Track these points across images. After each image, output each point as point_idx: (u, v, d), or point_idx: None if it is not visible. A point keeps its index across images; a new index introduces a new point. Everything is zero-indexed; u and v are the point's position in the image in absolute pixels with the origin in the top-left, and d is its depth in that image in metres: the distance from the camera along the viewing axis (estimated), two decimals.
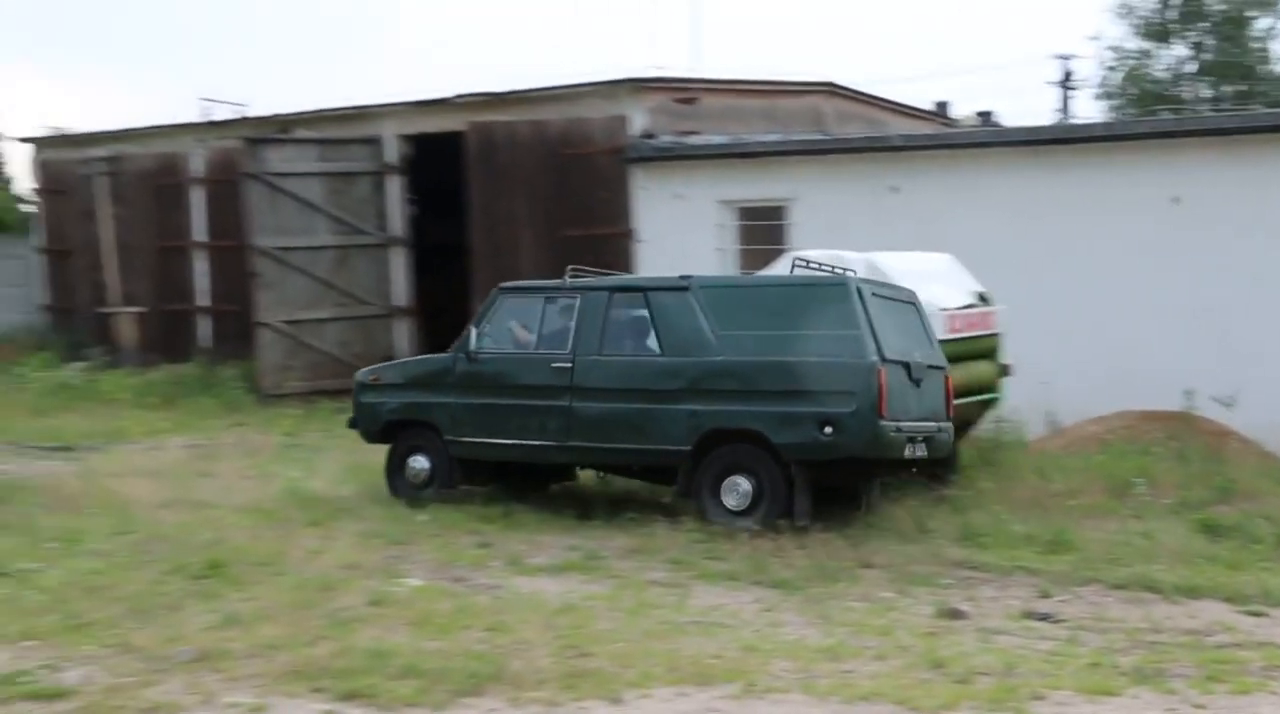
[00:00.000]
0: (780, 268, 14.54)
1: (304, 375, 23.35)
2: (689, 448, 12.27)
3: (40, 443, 17.90)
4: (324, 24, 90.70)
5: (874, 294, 12.43)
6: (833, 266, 13.11)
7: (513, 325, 13.60)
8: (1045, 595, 9.99)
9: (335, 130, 24.94)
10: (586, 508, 12.92)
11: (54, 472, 15.05)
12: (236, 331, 24.86)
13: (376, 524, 12.15)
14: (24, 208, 38.50)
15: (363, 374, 14.68)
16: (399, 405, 13.87)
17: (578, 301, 13.20)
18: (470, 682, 7.11)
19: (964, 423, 14.50)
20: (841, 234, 16.99)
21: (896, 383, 11.95)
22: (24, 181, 38.83)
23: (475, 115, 23.42)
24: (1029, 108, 78.08)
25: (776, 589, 9.98)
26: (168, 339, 26.32)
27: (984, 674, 7.53)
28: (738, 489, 12.12)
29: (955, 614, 9.22)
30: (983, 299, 14.97)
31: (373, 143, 24.46)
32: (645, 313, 13.01)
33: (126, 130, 27.88)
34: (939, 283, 14.45)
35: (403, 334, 24.54)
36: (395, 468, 13.75)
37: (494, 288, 14.26)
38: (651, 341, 12.91)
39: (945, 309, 13.97)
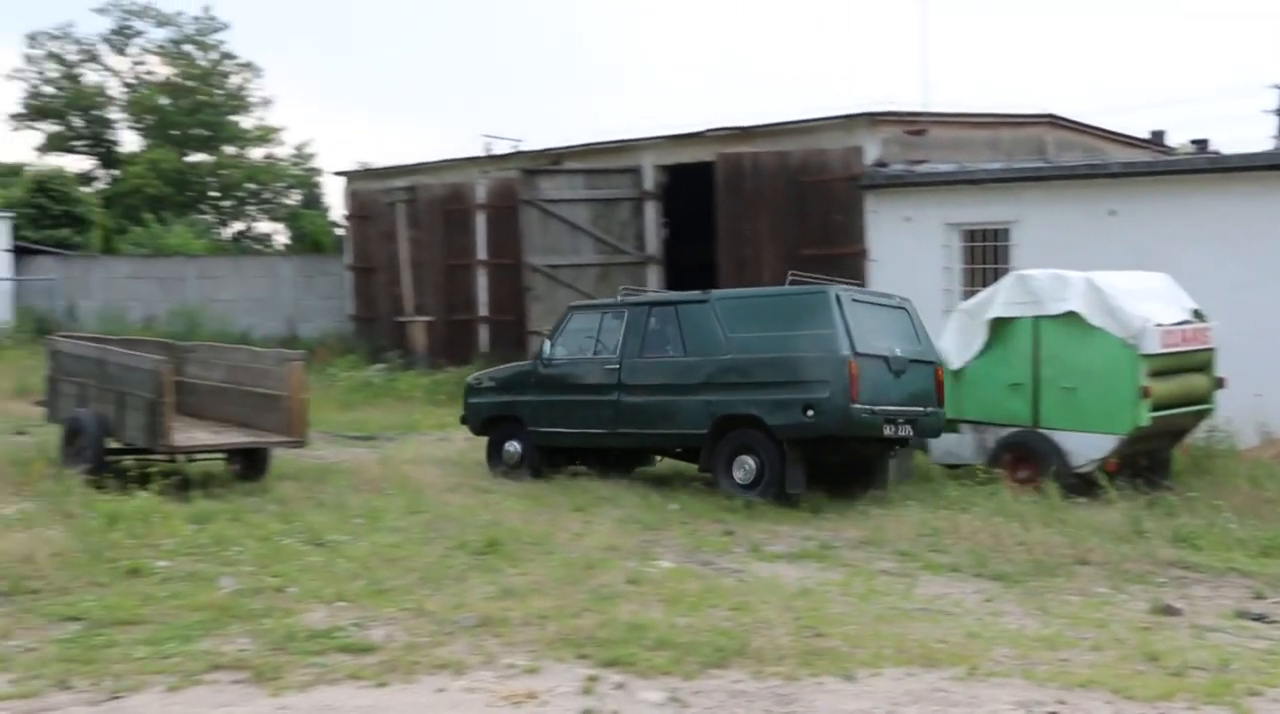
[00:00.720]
0: (1004, 287, 14.25)
1: None
2: (706, 431, 13.51)
3: (348, 432, 18.61)
4: (590, 67, 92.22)
5: (854, 300, 13.50)
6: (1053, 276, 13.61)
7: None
8: (1259, 597, 9.50)
9: (600, 162, 25.32)
10: (819, 503, 12.83)
11: (359, 458, 15.62)
12: (512, 338, 25.46)
13: (632, 511, 12.27)
14: (337, 232, 40.23)
15: (471, 380, 16.38)
16: (495, 404, 15.43)
17: (626, 315, 14.61)
18: (717, 655, 7.12)
19: (1179, 431, 14.10)
20: (1061, 255, 16.44)
21: (871, 373, 12.92)
22: (337, 209, 40.56)
23: (724, 147, 23.52)
24: (1245, 136, 74.47)
25: (997, 581, 9.74)
26: (453, 344, 27.11)
27: (1199, 669, 7.19)
28: (745, 466, 13.30)
29: (1170, 611, 8.83)
30: (1197, 316, 14.38)
31: (633, 172, 24.76)
32: (675, 322, 14.22)
33: (421, 164, 28.83)
34: (1156, 301, 13.94)
35: None
36: (494, 453, 15.22)
37: (567, 307, 15.99)
38: (678, 345, 14.09)
39: (1161, 325, 13.46)
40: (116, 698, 6.44)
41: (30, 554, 9.16)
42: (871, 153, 21.78)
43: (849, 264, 21.67)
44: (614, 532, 11.16)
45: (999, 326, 14.06)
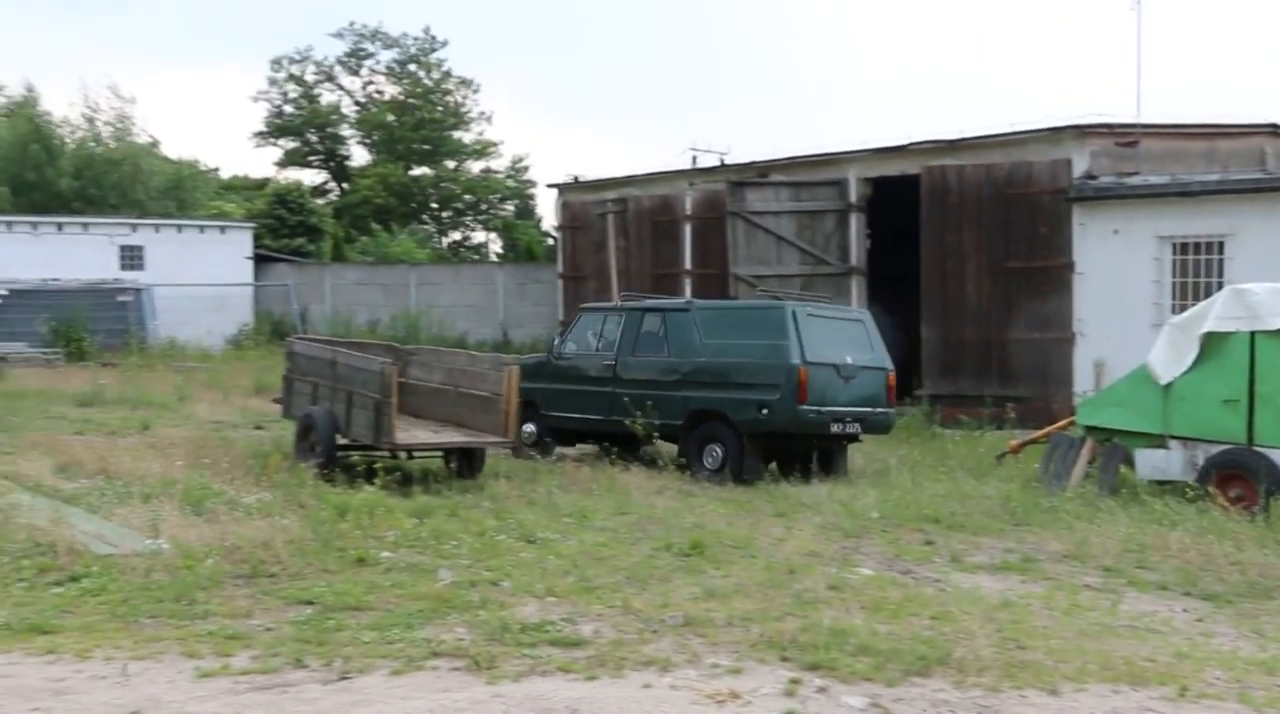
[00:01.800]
0: (1219, 301, 13.65)
1: None
2: (682, 423, 15.27)
3: None
4: (795, 80, 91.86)
5: (809, 315, 15.18)
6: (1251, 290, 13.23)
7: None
8: None
9: (804, 174, 25.21)
10: (1021, 516, 12.50)
11: (567, 459, 15.87)
12: None
13: (832, 518, 12.17)
14: (549, 241, 40.92)
15: None
16: None
17: (624, 318, 16.43)
18: (919, 663, 6.99)
19: None
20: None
21: (820, 378, 14.68)
22: (549, 220, 41.28)
23: (929, 160, 23.17)
24: None
25: (1207, 601, 9.29)
26: None
27: None
28: (713, 454, 15.01)
29: None
30: None
31: (838, 185, 24.59)
32: (663, 326, 15.99)
33: (631, 177, 29.16)
34: None
35: None
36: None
37: (578, 307, 18.34)
38: (663, 347, 15.85)
39: None
40: (346, 678, 6.68)
41: (268, 541, 9.59)
42: (1080, 165, 21.19)
43: (1054, 277, 21.17)
44: (815, 538, 11.09)
45: (1212, 341, 13.46)
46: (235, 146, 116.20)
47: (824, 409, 14.68)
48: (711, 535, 10.73)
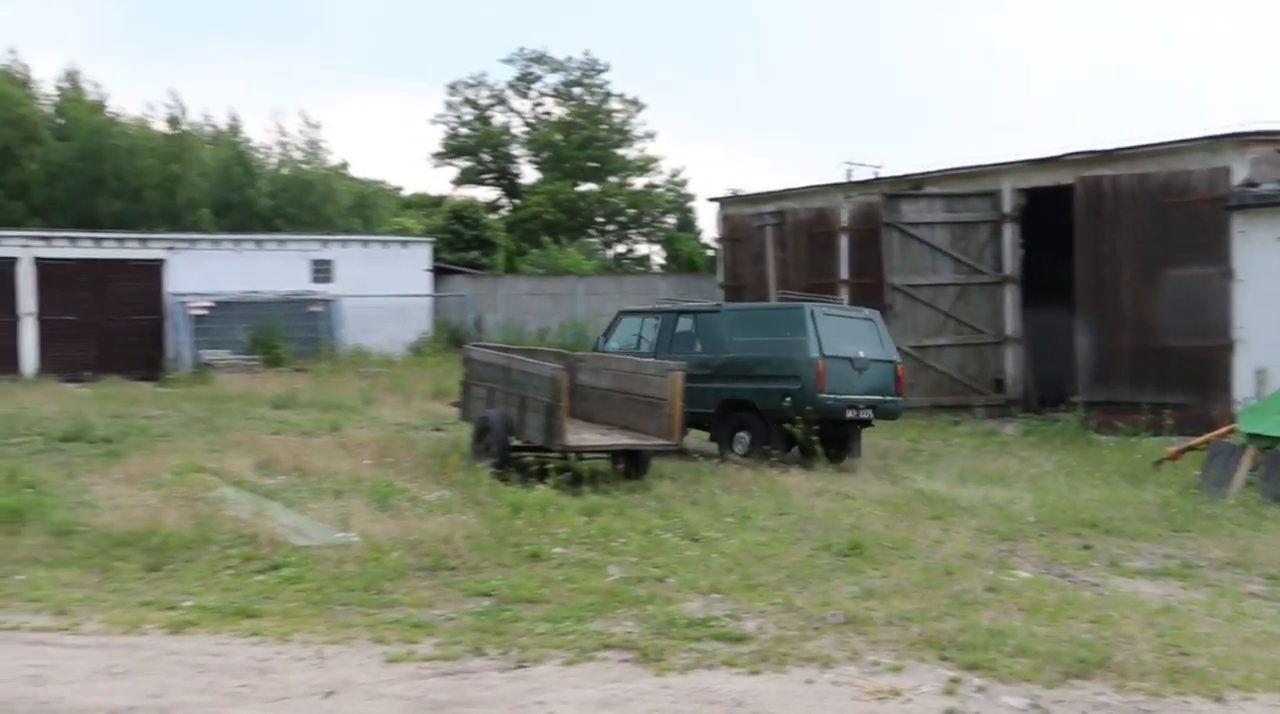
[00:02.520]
0: None
1: (926, 392, 23.31)
2: (714, 411, 16.30)
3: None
4: (949, 93, 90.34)
5: (825, 314, 16.33)
6: None
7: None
8: None
9: (958, 186, 24.74)
10: (1181, 522, 12.05)
11: (729, 461, 15.80)
12: None
13: (989, 521, 11.90)
14: (709, 252, 40.92)
15: None
16: None
17: (660, 319, 17.59)
18: (1078, 666, 6.80)
19: None
20: None
21: (836, 370, 15.74)
22: (710, 232, 41.28)
23: (1083, 170, 22.52)
24: None
25: None
26: None
27: None
28: (742, 440, 16.13)
29: None
30: None
31: (992, 196, 24.08)
32: (693, 326, 17.13)
33: (788, 190, 28.98)
34: None
35: (1011, 359, 23.97)
36: None
37: (618, 311, 19.09)
38: (696, 344, 16.91)
39: None
40: (522, 667, 6.78)
41: (449, 536, 9.79)
42: (1239, 173, 20.35)
43: (1213, 284, 20.39)
44: (971, 540, 10.86)
45: None
46: (415, 167, 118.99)
47: (840, 397, 15.81)
48: (870, 536, 10.59)
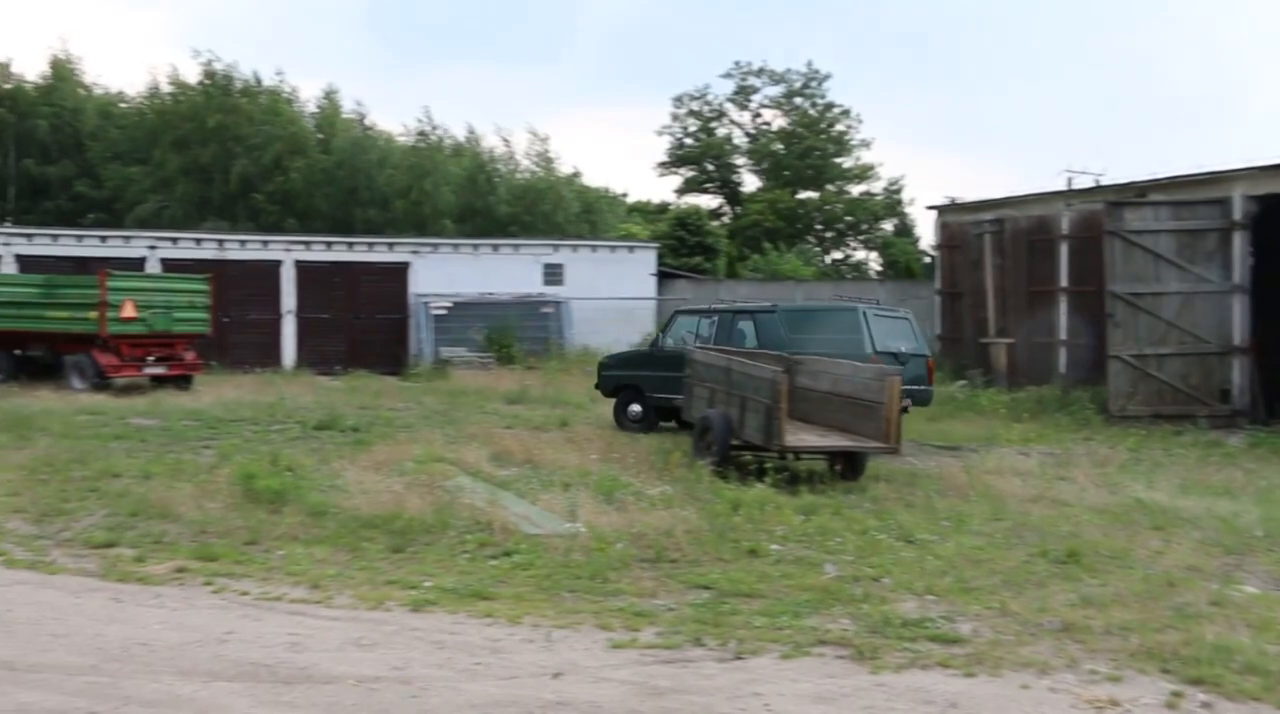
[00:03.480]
0: None
1: (1146, 401, 22.25)
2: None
3: (933, 442, 18.47)
4: (1174, 101, 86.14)
5: (875, 314, 17.50)
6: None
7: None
8: None
9: (1185, 194, 23.51)
10: None
11: (944, 465, 15.45)
12: (1089, 361, 24.26)
13: (1213, 534, 11.25)
14: (926, 259, 40.12)
15: (603, 359, 20.67)
16: (622, 376, 19.45)
17: (716, 318, 18.57)
18: None
19: None
20: None
21: (885, 362, 16.36)
22: (927, 239, 40.46)
23: None
24: None
25: None
26: (1032, 365, 26.24)
27: None
28: None
29: None
30: None
31: (1221, 203, 22.79)
32: (751, 324, 18.03)
33: (1007, 198, 28.12)
34: None
35: (1238, 370, 22.65)
36: (620, 410, 19.12)
37: (674, 311, 20.77)
38: (752, 340, 17.71)
39: None
40: (740, 658, 6.77)
41: (670, 530, 9.87)
42: None
43: None
44: (1194, 552, 10.29)
45: None
46: (639, 175, 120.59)
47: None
48: (1087, 544, 10.16)
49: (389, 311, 32.68)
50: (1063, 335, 25.98)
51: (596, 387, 20.18)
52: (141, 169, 44.67)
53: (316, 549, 9.43)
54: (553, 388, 23.75)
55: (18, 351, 24.54)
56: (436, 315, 31.93)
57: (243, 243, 32.97)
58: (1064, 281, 26.05)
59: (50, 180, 46.63)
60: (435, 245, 34.22)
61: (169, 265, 30.89)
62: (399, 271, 32.96)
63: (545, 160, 46.60)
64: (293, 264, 32.43)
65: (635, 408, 18.94)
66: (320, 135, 45.36)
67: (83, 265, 28.93)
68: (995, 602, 8.06)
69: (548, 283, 33.90)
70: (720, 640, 7.07)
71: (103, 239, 32.40)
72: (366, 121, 46.93)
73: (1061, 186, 27.02)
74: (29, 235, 31.87)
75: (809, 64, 61.62)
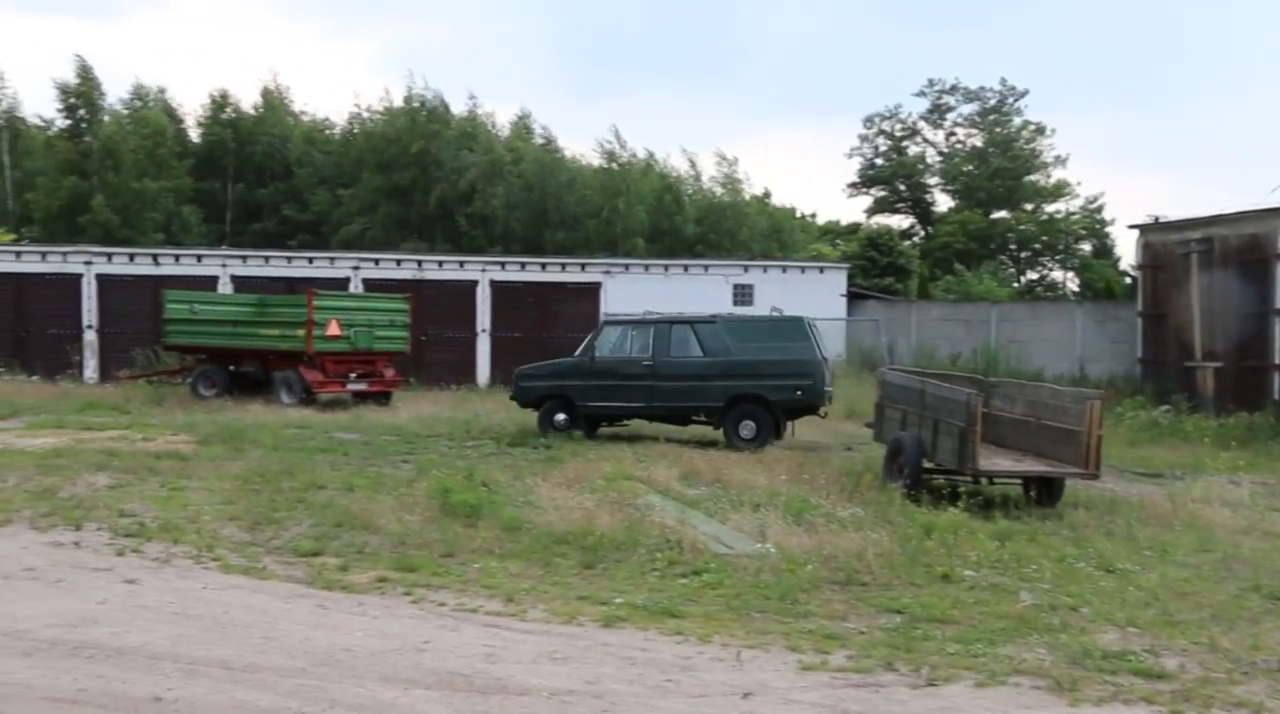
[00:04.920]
0: None
1: None
2: (722, 405, 18.81)
3: (1134, 469, 17.78)
4: None
5: (809, 323, 19.22)
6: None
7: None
8: None
9: None
10: None
11: (1146, 493, 14.82)
12: None
13: None
14: (1127, 280, 38.69)
15: (522, 370, 20.29)
16: (548, 386, 19.65)
17: (652, 329, 19.39)
18: None
19: None
20: None
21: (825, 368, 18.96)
22: (1127, 258, 39.01)
23: None
24: None
25: None
26: (1241, 390, 24.95)
27: None
28: (748, 427, 18.69)
29: None
30: None
31: None
32: (692, 335, 19.19)
33: (1217, 216, 26.87)
34: None
35: None
36: (547, 418, 19.43)
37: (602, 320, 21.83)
38: (696, 351, 19.11)
39: None
40: (933, 685, 6.66)
41: (860, 552, 9.77)
42: None
43: None
44: None
45: None
46: (827, 196, 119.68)
47: (827, 389, 19.06)
48: None
49: (580, 331, 33.06)
50: (1277, 359, 24.66)
51: (513, 398, 20.16)
52: (347, 192, 46.65)
53: (511, 563, 9.66)
54: None
55: (232, 367, 25.81)
56: None
57: (440, 263, 34.01)
58: (1279, 303, 24.75)
59: (261, 204, 49.18)
60: (626, 265, 34.67)
61: (370, 285, 32.13)
62: (590, 291, 33.50)
63: (732, 181, 46.75)
64: (488, 284, 33.31)
65: (561, 416, 19.30)
66: (512, 161, 46.57)
67: (291, 285, 30.31)
68: (1203, 637, 7.71)
69: (737, 303, 33.92)
70: (913, 666, 6.97)
71: (310, 260, 33.86)
72: (554, 145, 48.01)
73: (1277, 203, 25.67)
74: (244, 257, 33.57)
75: (1003, 81, 60.06)
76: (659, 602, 8.39)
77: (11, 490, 12.76)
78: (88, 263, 31.75)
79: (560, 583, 9.06)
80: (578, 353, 19.85)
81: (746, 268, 35.12)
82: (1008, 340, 32.55)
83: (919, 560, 9.74)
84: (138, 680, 6.57)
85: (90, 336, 31.39)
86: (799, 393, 18.69)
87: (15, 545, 10.19)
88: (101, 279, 31.71)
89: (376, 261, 33.76)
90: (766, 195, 49.01)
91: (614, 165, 45.04)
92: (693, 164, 47.87)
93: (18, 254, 32.54)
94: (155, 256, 32.88)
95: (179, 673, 6.71)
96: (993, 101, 58.89)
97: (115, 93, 62.00)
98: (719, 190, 46.56)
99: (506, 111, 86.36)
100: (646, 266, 34.79)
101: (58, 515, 11.41)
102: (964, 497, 12.38)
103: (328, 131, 52.57)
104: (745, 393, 18.74)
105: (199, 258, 33.02)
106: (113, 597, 8.46)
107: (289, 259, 34.00)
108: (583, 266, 34.42)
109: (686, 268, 35.06)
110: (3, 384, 26.03)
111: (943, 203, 60.15)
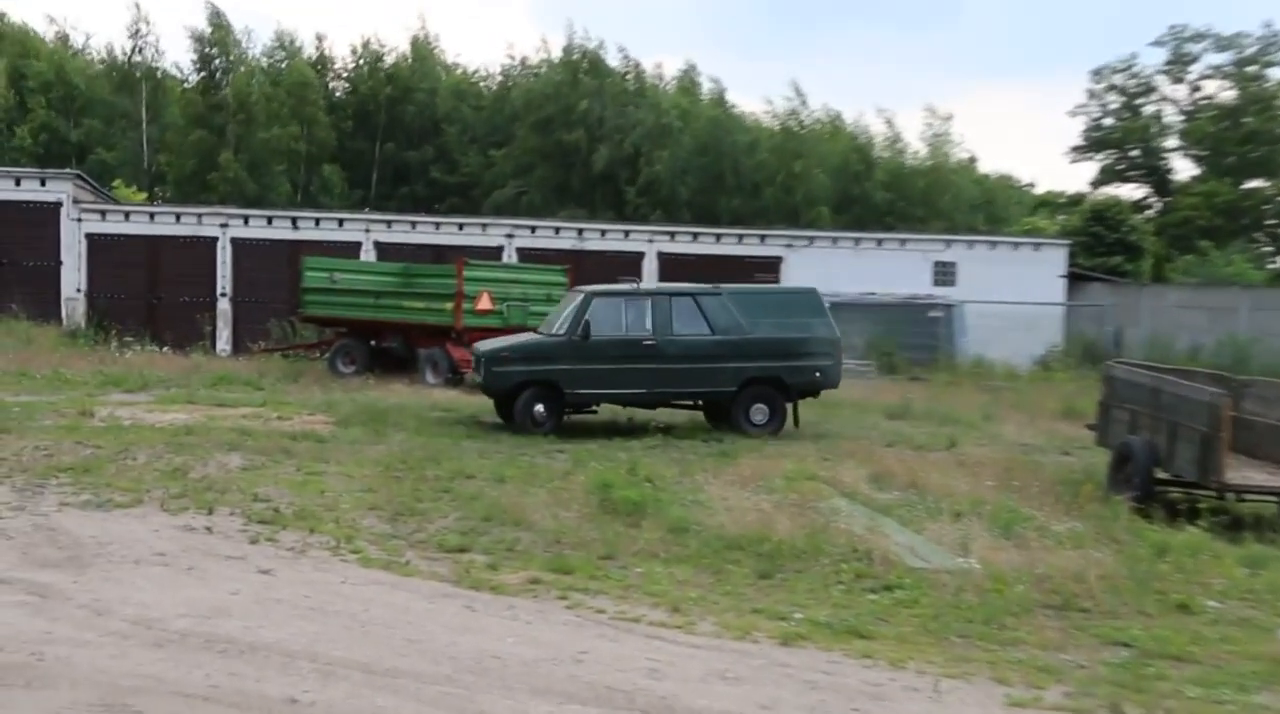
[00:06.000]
0: None
1: None
2: (734, 389, 18.55)
3: None
4: None
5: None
6: None
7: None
8: None
9: None
10: None
11: None
12: None
13: None
14: None
15: (489, 352, 18.62)
16: (530, 372, 18.27)
17: (650, 301, 18.75)
18: None
19: None
20: None
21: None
22: None
23: None
24: None
25: None
26: None
27: None
28: (762, 412, 18.60)
29: None
30: None
31: None
32: (695, 308, 18.64)
33: None
34: None
35: None
36: (526, 411, 18.08)
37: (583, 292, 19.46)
38: (703, 325, 18.60)
39: None
40: None
41: (1080, 573, 9.49)
42: None
43: None
44: None
45: None
46: (1049, 162, 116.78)
47: (845, 367, 19.73)
48: None
49: None
50: None
51: (483, 386, 18.90)
52: (500, 153, 47.40)
53: (677, 569, 9.68)
54: (940, 403, 23.34)
55: (373, 342, 26.47)
56: None
57: (603, 232, 34.32)
58: None
59: (410, 165, 50.34)
60: (811, 238, 34.49)
61: (525, 255, 32.63)
62: (770, 266, 33.41)
63: (939, 143, 45.96)
64: (655, 256, 33.51)
65: (540, 408, 18.04)
66: (678, 120, 46.61)
67: (439, 254, 30.99)
68: None
69: (938, 283, 33.44)
70: (1143, 709, 6.74)
71: (460, 227, 34.50)
72: (726, 102, 47.84)
73: None
74: (388, 222, 34.42)
75: (1267, 25, 57.61)
76: (845, 619, 8.30)
77: (141, 469, 13.34)
78: (224, 225, 33.01)
79: (732, 593, 9.04)
80: (557, 330, 18.73)
81: (949, 243, 34.57)
82: (1262, 332, 31.23)
83: (1150, 586, 9.40)
84: (272, 679, 6.79)
85: (224, 305, 32.64)
86: (818, 375, 18.82)
87: (146, 528, 10.65)
88: (237, 243, 32.90)
89: (533, 229, 34.26)
90: (972, 160, 48.04)
91: (795, 125, 44.75)
92: (889, 124, 47.30)
93: (151, 216, 33.98)
94: (294, 219, 33.95)
95: (315, 674, 6.91)
96: (1250, 50, 56.41)
97: (259, 41, 64.20)
98: (918, 152, 45.87)
99: (670, 65, 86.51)
100: (834, 239, 34.56)
101: (189, 498, 11.88)
102: (1205, 514, 11.90)
103: (481, 84, 53.50)
104: (761, 375, 18.61)
105: (340, 222, 34.03)
106: (246, 588, 8.76)
107: (437, 225, 34.74)
108: (762, 238, 34.37)
109: (880, 242, 34.69)
110: (133, 355, 27.19)
111: (1183, 170, 58.04)
